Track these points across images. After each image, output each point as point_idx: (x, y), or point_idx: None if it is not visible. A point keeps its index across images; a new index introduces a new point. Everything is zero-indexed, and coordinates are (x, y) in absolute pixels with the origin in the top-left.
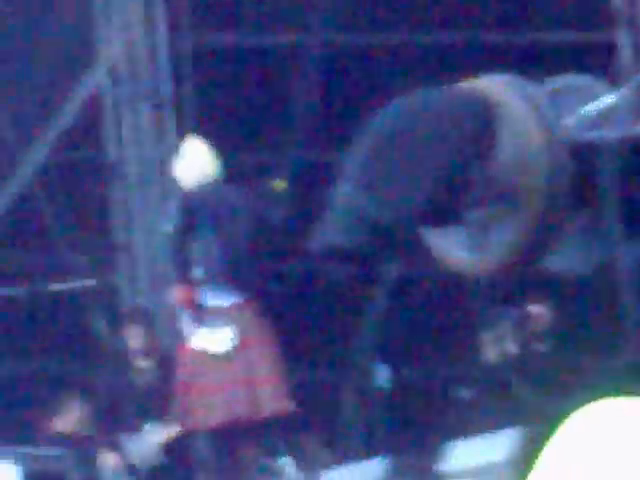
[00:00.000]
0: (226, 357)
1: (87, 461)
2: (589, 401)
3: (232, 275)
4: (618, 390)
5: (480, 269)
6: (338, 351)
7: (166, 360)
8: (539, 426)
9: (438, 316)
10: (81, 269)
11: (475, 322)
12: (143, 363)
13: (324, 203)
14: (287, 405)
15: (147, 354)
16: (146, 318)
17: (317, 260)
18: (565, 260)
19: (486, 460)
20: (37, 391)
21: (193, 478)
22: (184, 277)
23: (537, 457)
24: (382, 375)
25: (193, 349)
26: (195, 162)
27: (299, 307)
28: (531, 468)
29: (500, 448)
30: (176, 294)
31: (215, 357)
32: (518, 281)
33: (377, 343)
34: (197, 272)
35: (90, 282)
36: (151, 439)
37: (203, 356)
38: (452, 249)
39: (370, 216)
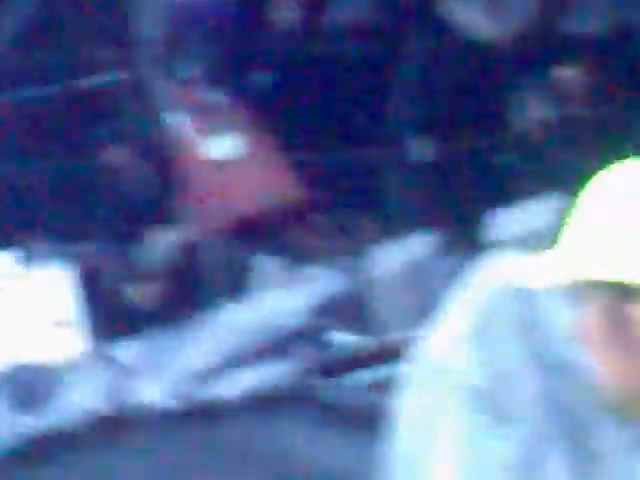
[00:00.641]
0: (235, 160)
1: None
2: (619, 159)
3: (226, 73)
4: None
5: (502, 34)
6: (372, 129)
7: (164, 167)
8: (578, 189)
9: (468, 87)
10: (106, 64)
11: (505, 90)
12: (135, 175)
13: None
14: (301, 193)
15: (137, 168)
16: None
17: (337, 39)
18: (584, 21)
19: (529, 227)
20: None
21: (211, 278)
22: (180, 79)
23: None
24: (419, 148)
25: (202, 157)
26: None
27: (331, 89)
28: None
29: (542, 214)
30: (177, 95)
31: (227, 162)
32: (544, 45)
33: (411, 117)
34: (193, 73)
35: (116, 76)
36: (164, 242)
37: (212, 162)
38: (473, 17)
39: None
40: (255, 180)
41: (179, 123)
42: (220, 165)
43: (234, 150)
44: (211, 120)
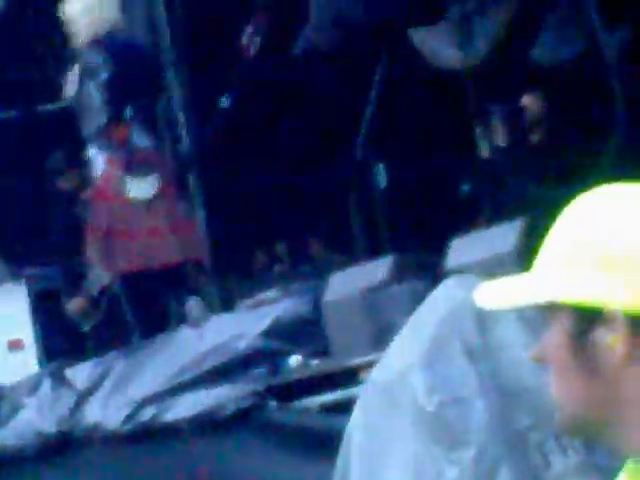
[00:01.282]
0: (149, 203)
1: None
2: (586, 188)
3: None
4: (612, 174)
5: (467, 63)
6: (336, 153)
7: None
8: (539, 216)
9: (431, 114)
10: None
11: (470, 118)
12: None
13: (307, 8)
14: (200, 253)
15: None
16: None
17: (302, 65)
18: (548, 50)
19: (490, 253)
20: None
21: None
22: (116, 119)
23: (540, 246)
24: (382, 174)
25: (118, 195)
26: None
27: (296, 115)
28: (534, 257)
29: (503, 241)
30: (111, 134)
31: (140, 203)
32: (507, 74)
33: (375, 143)
34: (128, 113)
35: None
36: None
37: (129, 202)
38: (438, 46)
39: (354, 16)
40: (161, 226)
41: (102, 159)
42: (134, 206)
43: (151, 191)
44: (135, 161)
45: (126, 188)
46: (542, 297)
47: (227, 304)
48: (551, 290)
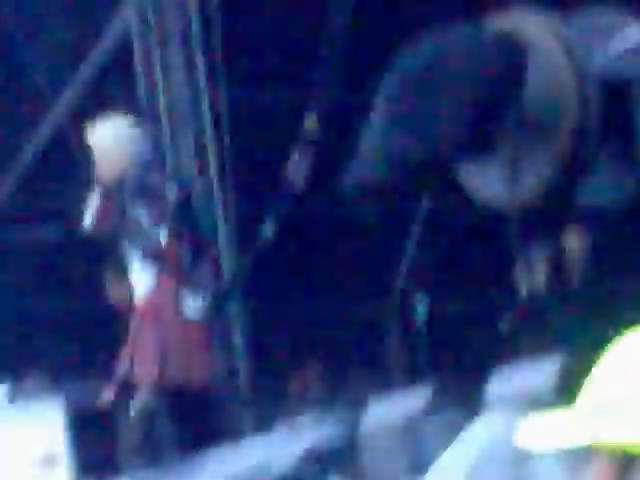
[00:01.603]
0: (197, 322)
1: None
2: (629, 328)
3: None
4: None
5: (513, 203)
6: (378, 288)
7: None
8: (580, 354)
9: (474, 251)
10: None
11: (510, 255)
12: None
13: (355, 143)
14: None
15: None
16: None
17: (349, 201)
18: (597, 192)
19: (529, 387)
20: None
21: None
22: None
23: (581, 384)
24: (421, 308)
25: (170, 312)
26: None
27: (338, 246)
28: (575, 395)
29: (542, 375)
30: (165, 253)
31: (191, 322)
32: (552, 214)
33: (415, 277)
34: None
35: None
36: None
37: (181, 320)
38: (485, 183)
39: (402, 152)
40: (204, 346)
41: (153, 276)
42: (186, 324)
43: (202, 312)
44: (188, 280)
45: (180, 306)
46: (584, 439)
47: (262, 426)
48: (593, 432)
